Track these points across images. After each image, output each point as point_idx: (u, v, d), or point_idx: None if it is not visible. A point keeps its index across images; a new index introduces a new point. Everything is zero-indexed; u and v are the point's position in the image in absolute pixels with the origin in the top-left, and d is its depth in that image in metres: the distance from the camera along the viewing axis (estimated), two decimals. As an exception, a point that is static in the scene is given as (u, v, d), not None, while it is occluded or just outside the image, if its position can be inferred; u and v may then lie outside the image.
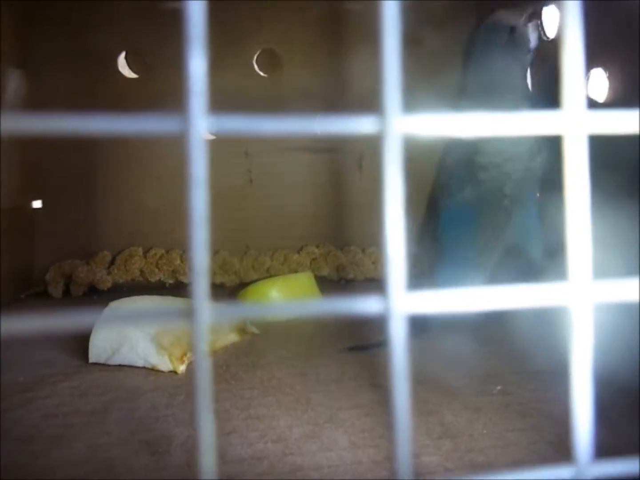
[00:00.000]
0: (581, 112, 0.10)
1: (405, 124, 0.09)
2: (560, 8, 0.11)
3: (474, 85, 0.51)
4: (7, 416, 0.36)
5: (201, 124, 0.08)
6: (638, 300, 0.10)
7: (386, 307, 0.09)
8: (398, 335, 0.09)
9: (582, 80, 0.10)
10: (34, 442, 0.32)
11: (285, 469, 0.29)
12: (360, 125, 0.09)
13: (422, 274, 0.50)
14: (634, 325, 0.36)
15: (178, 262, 0.74)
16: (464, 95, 0.52)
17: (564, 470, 0.10)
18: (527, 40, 0.50)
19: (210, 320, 0.09)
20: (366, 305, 0.09)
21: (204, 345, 0.09)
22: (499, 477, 0.10)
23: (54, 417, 0.35)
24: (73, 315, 0.10)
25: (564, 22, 0.11)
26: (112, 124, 0.09)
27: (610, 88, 0.52)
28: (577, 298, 0.10)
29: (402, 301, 0.09)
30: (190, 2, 0.09)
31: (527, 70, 0.52)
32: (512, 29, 0.49)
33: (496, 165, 0.48)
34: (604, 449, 0.26)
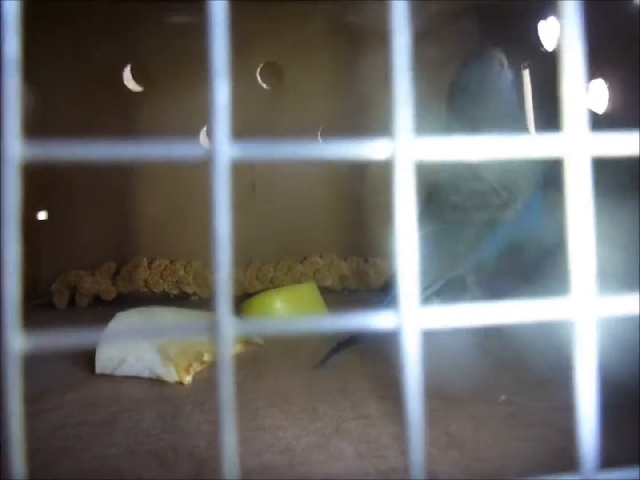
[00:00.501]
0: (583, 134, 0.10)
1: (417, 148, 0.10)
2: (560, 24, 0.12)
3: (462, 110, 0.53)
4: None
5: (226, 151, 0.09)
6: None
7: (399, 322, 0.10)
8: (411, 350, 0.10)
9: (584, 100, 0.10)
10: (43, 453, 0.33)
11: (293, 479, 0.29)
12: (372, 149, 0.10)
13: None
14: (634, 326, 0.37)
15: (182, 272, 0.75)
16: (452, 120, 0.54)
17: (569, 478, 0.10)
18: (512, 77, 0.53)
19: (232, 334, 0.09)
20: (379, 321, 0.10)
21: (229, 357, 0.09)
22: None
23: (62, 429, 0.36)
24: (89, 332, 0.10)
25: (564, 41, 0.11)
26: (140, 150, 0.09)
27: (610, 99, 0.53)
28: (582, 313, 0.10)
29: (415, 317, 0.10)
30: (215, 34, 0.09)
31: (513, 102, 0.54)
32: (501, 64, 0.53)
33: (465, 209, 0.49)
34: (606, 454, 0.26)
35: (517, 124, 0.53)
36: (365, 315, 0.10)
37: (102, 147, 0.09)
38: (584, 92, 0.10)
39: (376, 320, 0.10)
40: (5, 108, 0.09)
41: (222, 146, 0.09)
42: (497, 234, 0.49)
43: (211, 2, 0.09)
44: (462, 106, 0.53)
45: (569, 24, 0.11)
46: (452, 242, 0.48)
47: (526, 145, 0.11)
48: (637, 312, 0.10)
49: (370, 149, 0.10)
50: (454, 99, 0.54)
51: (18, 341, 0.08)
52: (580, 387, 0.10)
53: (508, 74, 0.53)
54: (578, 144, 0.10)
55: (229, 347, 0.10)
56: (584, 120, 0.10)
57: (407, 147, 0.10)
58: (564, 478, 0.10)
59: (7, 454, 0.10)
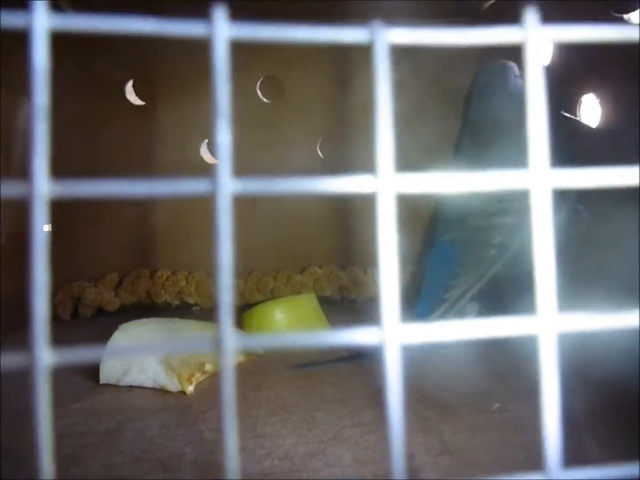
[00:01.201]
0: (545, 171, 0.11)
1: (398, 182, 0.11)
2: (525, 69, 0.13)
3: (478, 119, 0.54)
4: (23, 436, 0.37)
5: (228, 187, 0.10)
6: (600, 330, 0.12)
7: (381, 338, 0.11)
8: (393, 364, 0.11)
9: (545, 142, 0.12)
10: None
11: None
12: (359, 186, 0.11)
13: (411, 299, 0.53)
14: (633, 331, 0.38)
15: (184, 283, 0.76)
16: (467, 131, 0.54)
17: (535, 476, 0.11)
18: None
19: (235, 348, 0.10)
20: (363, 336, 0.11)
21: (231, 371, 0.10)
22: (480, 483, 0.12)
23: (68, 437, 0.37)
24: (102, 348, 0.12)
25: (527, 85, 0.12)
26: (152, 187, 0.11)
27: (602, 113, 0.54)
28: (544, 329, 0.11)
29: (396, 333, 0.11)
30: (218, 85, 0.10)
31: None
32: (516, 74, 0.53)
33: (488, 214, 0.49)
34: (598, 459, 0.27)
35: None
36: (349, 331, 0.11)
37: (118, 185, 0.10)
38: (546, 134, 0.12)
39: (360, 336, 0.11)
40: (36, 150, 0.10)
41: (225, 182, 0.10)
42: (525, 238, 0.49)
43: (215, 56, 0.11)
44: (478, 117, 0.54)
45: (532, 69, 0.13)
46: (482, 246, 0.48)
47: (497, 180, 0.12)
48: (594, 329, 0.12)
49: (356, 184, 0.11)
50: (469, 109, 0.55)
51: (47, 355, 0.10)
52: (545, 393, 0.11)
53: (522, 83, 0.55)
54: (541, 179, 0.11)
55: (231, 361, 0.11)
56: (546, 157, 0.12)
57: (389, 182, 0.11)
58: (530, 478, 0.11)
59: (36, 464, 0.11)
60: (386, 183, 0.11)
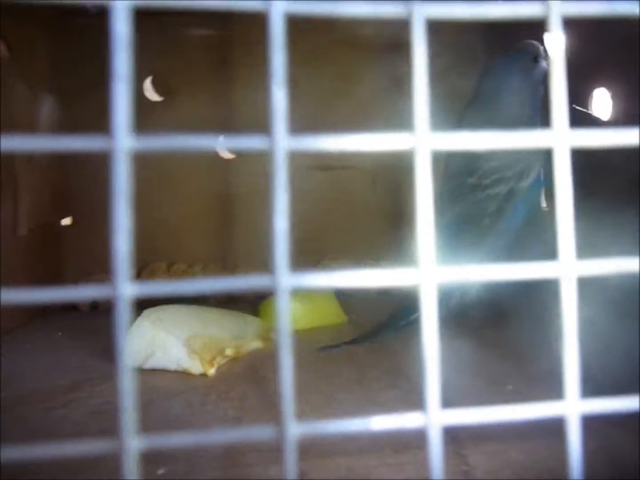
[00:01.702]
0: (565, 130, 0.13)
1: (433, 139, 0.12)
2: (547, 40, 0.14)
3: (485, 97, 0.55)
4: (53, 414, 0.39)
5: (284, 142, 0.12)
6: (613, 275, 0.13)
7: (419, 279, 0.12)
8: (429, 300, 0.12)
9: (565, 105, 0.13)
10: (83, 435, 0.35)
11: (314, 454, 0.32)
12: (397, 142, 0.12)
13: None
14: (633, 328, 0.39)
15: (200, 276, 0.77)
16: (473, 106, 0.56)
17: (556, 405, 0.13)
18: (545, 72, 0.54)
19: (290, 287, 0.12)
20: (403, 277, 0.12)
21: (287, 313, 0.12)
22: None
23: (99, 414, 0.39)
24: (188, 282, 0.13)
25: (551, 55, 0.14)
26: (210, 142, 0.12)
27: (613, 107, 0.55)
28: (566, 272, 0.13)
29: (433, 273, 0.12)
30: (275, 52, 0.12)
31: (538, 98, 0.56)
32: (535, 58, 0.54)
33: (484, 187, 0.51)
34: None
35: (527, 119, 0.54)
36: (389, 273, 0.12)
37: (193, 139, 0.12)
38: (565, 101, 0.13)
39: (400, 277, 0.12)
40: (118, 109, 0.11)
41: (281, 138, 0.12)
42: (517, 202, 0.51)
43: (271, 21, 0.12)
44: (483, 93, 0.55)
45: (554, 47, 0.14)
46: (477, 217, 0.51)
47: (523, 138, 0.13)
48: (609, 273, 0.13)
49: (396, 141, 0.12)
50: (479, 85, 0.56)
51: (129, 288, 0.11)
52: (565, 332, 0.13)
53: (540, 68, 0.54)
54: (561, 138, 0.13)
55: (287, 301, 0.12)
56: (566, 121, 0.13)
57: (425, 139, 0.12)
58: (550, 406, 0.13)
59: (121, 404, 0.13)
60: (423, 139, 0.12)
